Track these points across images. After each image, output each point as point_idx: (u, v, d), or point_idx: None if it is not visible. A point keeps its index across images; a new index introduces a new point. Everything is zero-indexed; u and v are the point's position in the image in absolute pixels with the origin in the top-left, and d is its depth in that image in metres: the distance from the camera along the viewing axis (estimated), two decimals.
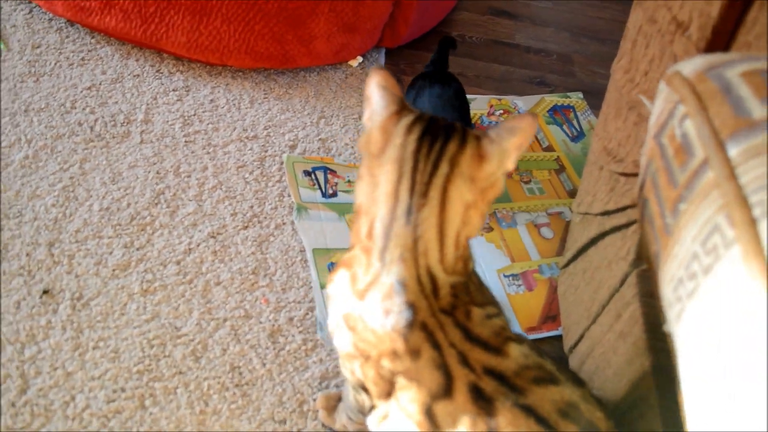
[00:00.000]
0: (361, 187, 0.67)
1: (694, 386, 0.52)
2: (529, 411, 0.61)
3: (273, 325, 1.02)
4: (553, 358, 0.71)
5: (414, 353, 0.63)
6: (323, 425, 0.92)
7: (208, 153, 1.24)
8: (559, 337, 1.10)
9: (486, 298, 0.71)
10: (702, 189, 0.55)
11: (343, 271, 0.69)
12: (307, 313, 1.05)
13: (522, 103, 1.47)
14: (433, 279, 0.65)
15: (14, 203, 1.10)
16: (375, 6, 1.31)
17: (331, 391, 0.97)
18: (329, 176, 1.23)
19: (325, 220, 1.16)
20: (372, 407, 0.72)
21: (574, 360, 1.04)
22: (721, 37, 0.77)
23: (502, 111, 1.44)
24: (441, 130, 0.65)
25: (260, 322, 1.03)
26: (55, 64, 1.33)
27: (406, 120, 0.64)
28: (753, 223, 0.48)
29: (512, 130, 0.66)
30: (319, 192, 1.20)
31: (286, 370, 0.98)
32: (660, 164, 0.64)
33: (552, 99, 1.50)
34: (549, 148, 1.39)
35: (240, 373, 0.96)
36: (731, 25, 0.75)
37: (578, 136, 1.43)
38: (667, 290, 0.58)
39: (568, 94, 1.52)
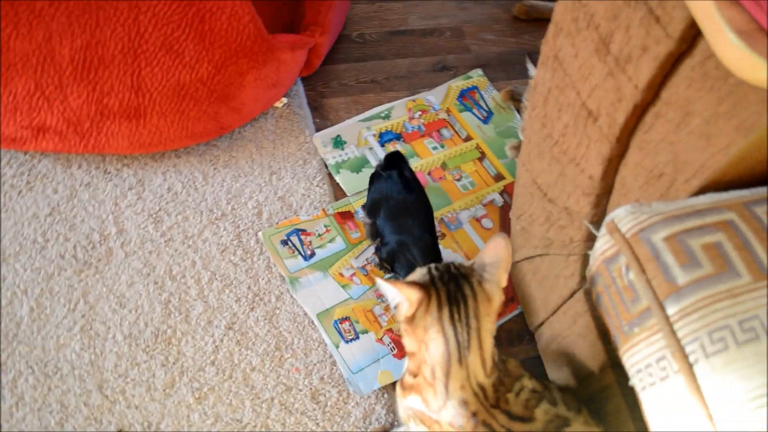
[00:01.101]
0: (410, 342, 0.90)
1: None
2: None
3: (311, 389, 1.26)
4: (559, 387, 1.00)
5: None
6: None
7: (190, 246, 1.37)
8: (520, 314, 1.41)
9: (510, 376, 0.97)
10: (650, 326, 0.82)
11: (415, 396, 0.93)
12: (332, 369, 1.29)
13: (434, 98, 1.64)
14: (482, 387, 0.91)
15: (47, 360, 1.22)
16: (294, 61, 1.40)
17: (376, 426, 1.26)
18: (302, 237, 1.40)
19: (315, 282, 1.36)
20: None
21: (541, 339, 1.35)
22: (625, 134, 0.98)
23: (420, 112, 1.61)
24: (457, 292, 0.87)
25: (300, 390, 1.26)
26: (5, 195, 1.35)
27: (434, 305, 0.86)
28: (690, 366, 0.77)
29: (497, 264, 0.89)
30: (300, 257, 1.38)
31: (335, 422, 1.24)
32: (611, 286, 0.89)
33: (457, 85, 1.67)
34: (468, 138, 1.60)
35: None
36: (633, 125, 0.96)
37: (488, 116, 1.64)
38: (628, 364, 0.86)
39: (469, 74, 1.69)
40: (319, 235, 1.40)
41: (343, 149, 1.52)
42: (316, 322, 1.31)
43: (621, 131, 0.94)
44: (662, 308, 0.77)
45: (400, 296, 0.87)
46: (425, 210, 1.33)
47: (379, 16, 1.75)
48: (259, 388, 1.25)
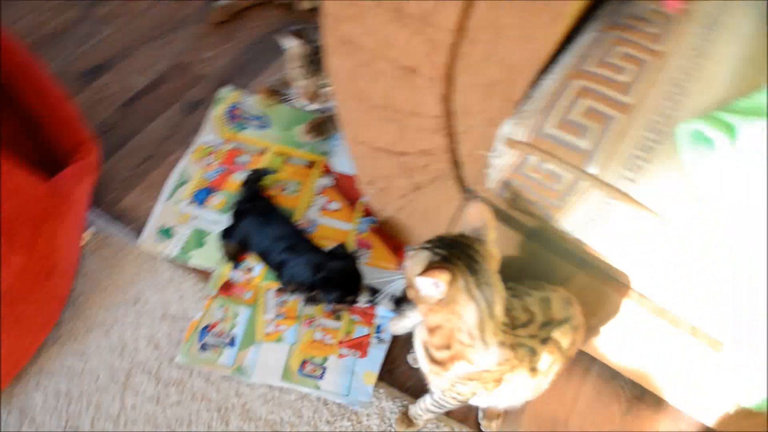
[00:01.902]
0: (436, 317, 0.98)
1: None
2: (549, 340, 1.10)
3: None
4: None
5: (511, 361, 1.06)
6: None
7: (127, 419, 1.26)
8: None
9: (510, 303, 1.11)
10: (583, 188, 1.01)
11: (459, 362, 1.03)
12: (326, 407, 1.33)
13: (210, 136, 1.63)
14: (504, 324, 1.03)
15: None
16: (84, 191, 1.29)
17: (396, 415, 1.35)
18: (212, 331, 1.37)
19: (256, 357, 1.36)
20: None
21: None
22: (450, 70, 1.12)
23: (208, 155, 1.59)
24: (472, 261, 0.97)
25: None
26: None
27: (461, 279, 0.95)
28: (626, 194, 0.98)
29: (485, 225, 1.00)
30: (226, 349, 1.36)
31: None
32: (528, 181, 1.06)
33: (218, 112, 1.67)
34: (264, 150, 1.63)
35: None
36: (453, 60, 1.10)
37: (264, 120, 1.68)
38: (570, 223, 1.05)
39: (219, 96, 1.70)
40: (223, 318, 1.37)
41: (173, 236, 1.46)
42: (285, 384, 1.32)
43: (446, 70, 1.08)
44: (586, 172, 0.96)
45: (440, 283, 0.94)
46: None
47: (102, 94, 1.63)
48: None
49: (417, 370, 1.39)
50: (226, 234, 1.45)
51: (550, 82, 1.01)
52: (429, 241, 1.00)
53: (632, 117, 0.97)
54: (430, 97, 1.13)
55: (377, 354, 1.40)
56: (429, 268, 0.93)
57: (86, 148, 1.30)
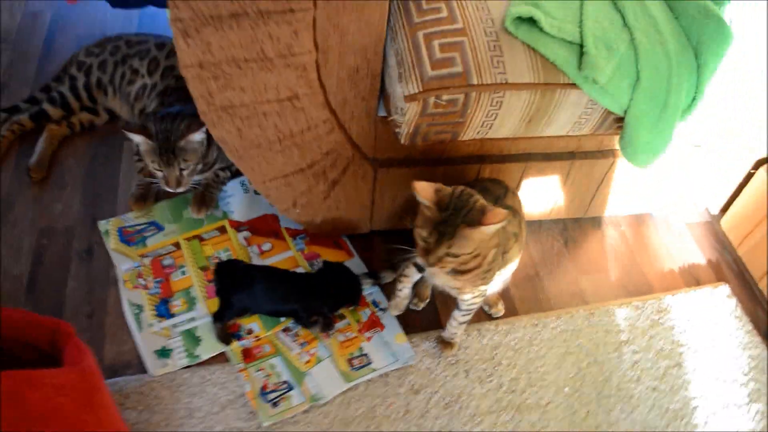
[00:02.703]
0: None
1: None
2: None
3: (413, 395, 1.52)
4: None
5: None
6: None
7: None
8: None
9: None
10: (472, 101, 1.36)
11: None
12: (391, 377, 1.54)
13: (128, 263, 1.67)
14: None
15: None
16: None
17: (436, 347, 1.61)
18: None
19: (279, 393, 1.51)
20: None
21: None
22: (317, 73, 1.38)
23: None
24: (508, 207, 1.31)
25: (424, 399, 1.51)
26: None
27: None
28: (504, 82, 1.37)
29: (440, 188, 1.28)
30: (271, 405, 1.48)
31: (447, 379, 1.56)
32: (432, 118, 1.35)
33: (114, 244, 1.71)
34: (177, 244, 1.73)
35: None
36: (318, 64, 1.37)
37: (158, 225, 1.76)
38: (472, 132, 1.42)
39: (103, 231, 1.73)
40: (267, 375, 1.49)
41: (172, 350, 1.53)
42: (351, 384, 1.51)
43: (318, 81, 1.33)
44: (471, 84, 1.29)
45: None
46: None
47: None
48: None
49: (423, 311, 1.66)
50: (219, 317, 1.54)
51: (402, 44, 1.29)
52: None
53: (471, 33, 1.27)
54: (315, 108, 1.38)
55: (390, 320, 1.62)
56: (499, 215, 1.19)
57: (62, 328, 1.30)
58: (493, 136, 1.41)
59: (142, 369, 1.48)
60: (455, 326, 1.53)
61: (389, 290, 1.68)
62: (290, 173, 1.51)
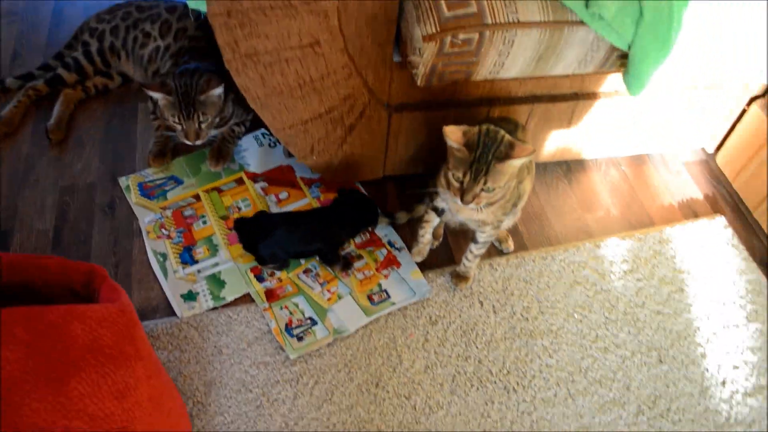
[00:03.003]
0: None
1: None
2: None
3: (432, 326, 1.60)
4: None
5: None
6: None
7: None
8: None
9: None
10: (486, 40, 1.42)
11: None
12: (409, 311, 1.62)
13: (150, 216, 1.73)
14: None
15: None
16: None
17: (451, 281, 1.68)
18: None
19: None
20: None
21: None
22: (339, 20, 1.44)
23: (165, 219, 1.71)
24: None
25: (439, 331, 1.59)
26: None
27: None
28: (516, 21, 1.43)
29: (468, 130, 1.35)
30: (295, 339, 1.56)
31: (463, 310, 1.64)
32: (448, 58, 1.41)
33: (136, 198, 1.77)
34: (197, 196, 1.79)
35: None
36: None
37: (176, 180, 1.82)
38: (485, 71, 1.49)
39: (124, 186, 1.79)
40: (291, 312, 1.56)
41: (197, 294, 1.60)
42: (372, 317, 1.58)
43: (339, 27, 1.38)
44: (486, 24, 1.35)
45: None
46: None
47: (26, 251, 1.62)
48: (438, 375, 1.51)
49: (436, 249, 1.73)
50: (261, 262, 1.62)
51: None
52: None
53: None
54: (334, 54, 1.43)
55: (406, 258, 1.70)
56: (528, 149, 1.27)
57: (96, 271, 1.37)
58: (504, 76, 1.48)
59: (170, 312, 1.56)
60: (471, 260, 1.60)
61: (403, 231, 1.76)
62: (309, 119, 1.56)
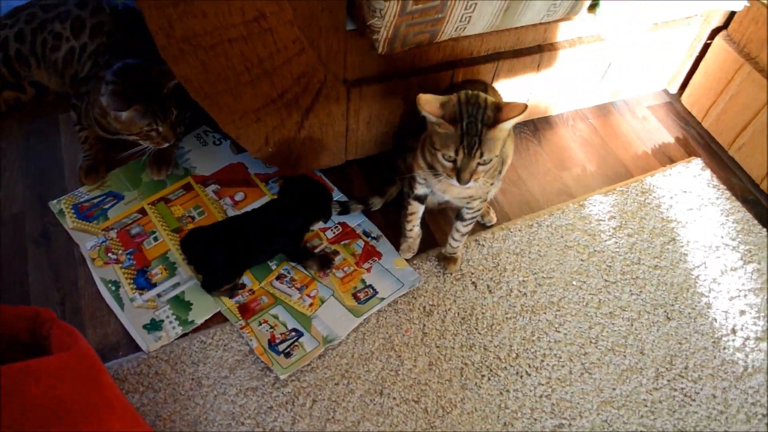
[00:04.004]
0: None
1: None
2: None
3: (427, 318, 1.46)
4: None
5: None
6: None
7: None
8: None
9: None
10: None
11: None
12: (400, 304, 1.48)
13: (92, 240, 1.51)
14: None
15: None
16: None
17: (439, 265, 1.55)
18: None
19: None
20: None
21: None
22: None
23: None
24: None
25: (437, 321, 1.45)
26: None
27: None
28: None
29: (445, 99, 1.19)
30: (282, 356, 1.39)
31: (451, 296, 1.50)
32: (411, 17, 1.26)
33: (73, 223, 1.55)
34: (143, 211, 1.59)
35: None
36: None
37: (115, 196, 1.61)
38: (451, 29, 1.33)
39: (57, 212, 1.56)
40: (272, 326, 1.40)
41: (161, 321, 1.41)
42: (362, 318, 1.44)
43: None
44: None
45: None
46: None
47: None
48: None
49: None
50: (209, 286, 1.42)
51: None
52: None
53: None
54: (283, 27, 1.27)
55: (386, 247, 1.55)
56: (517, 107, 1.13)
57: (41, 315, 1.16)
58: (470, 32, 1.34)
59: (134, 348, 1.36)
60: (458, 239, 1.47)
61: (376, 219, 1.61)
62: (261, 107, 1.39)
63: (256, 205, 1.60)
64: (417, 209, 1.44)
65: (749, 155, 1.81)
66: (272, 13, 1.21)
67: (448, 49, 1.51)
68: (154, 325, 1.38)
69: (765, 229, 1.72)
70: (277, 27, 1.23)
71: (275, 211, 1.48)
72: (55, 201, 1.58)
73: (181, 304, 1.42)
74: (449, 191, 1.30)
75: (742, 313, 1.54)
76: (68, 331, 1.15)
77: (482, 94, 1.17)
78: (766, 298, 1.57)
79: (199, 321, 1.40)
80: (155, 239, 1.52)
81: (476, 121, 1.14)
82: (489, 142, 1.14)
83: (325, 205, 1.50)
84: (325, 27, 1.33)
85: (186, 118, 1.71)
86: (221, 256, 1.41)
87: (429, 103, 1.17)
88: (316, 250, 1.53)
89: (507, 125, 1.15)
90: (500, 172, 1.40)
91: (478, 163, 1.16)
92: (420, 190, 1.39)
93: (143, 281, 1.45)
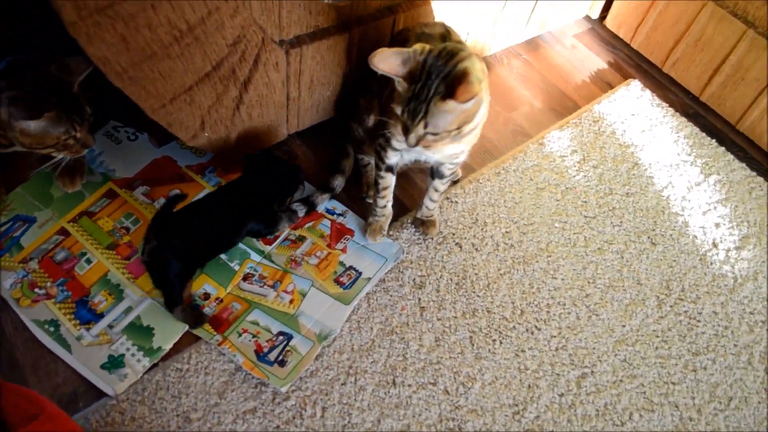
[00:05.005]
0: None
1: None
2: None
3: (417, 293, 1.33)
4: None
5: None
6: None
7: None
8: None
9: None
10: None
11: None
12: (387, 283, 1.34)
13: (11, 276, 1.25)
14: None
15: None
16: None
17: (418, 232, 1.42)
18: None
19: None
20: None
21: None
22: None
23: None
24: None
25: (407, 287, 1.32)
26: None
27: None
28: None
29: (400, 51, 1.03)
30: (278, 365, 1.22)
31: (437, 267, 1.38)
32: None
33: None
34: (63, 231, 1.33)
35: None
36: None
37: (25, 219, 1.34)
38: None
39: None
40: (255, 335, 1.22)
41: (122, 356, 1.18)
42: (353, 305, 1.29)
43: None
44: None
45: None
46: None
47: None
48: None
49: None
50: (171, 301, 1.21)
51: None
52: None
53: None
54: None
55: (356, 222, 1.40)
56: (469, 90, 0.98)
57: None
58: None
59: (97, 394, 1.13)
60: (435, 198, 1.35)
61: (338, 194, 1.45)
62: (194, 84, 1.17)
63: (199, 196, 1.39)
64: (390, 182, 1.29)
65: (685, 70, 1.80)
66: None
67: None
68: (114, 362, 1.15)
69: (714, 140, 1.72)
70: None
71: (244, 194, 1.28)
72: None
73: (139, 330, 1.19)
74: (432, 147, 1.15)
75: (717, 225, 1.53)
76: (23, 394, 0.92)
77: (462, 53, 1.03)
78: (733, 207, 1.57)
79: (167, 346, 1.19)
80: (88, 261, 1.28)
81: (431, 85, 1.00)
82: (438, 115, 1.01)
83: (296, 179, 1.32)
84: None
85: (89, 115, 1.44)
86: (184, 246, 1.22)
87: (385, 62, 1.02)
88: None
89: (461, 107, 1.00)
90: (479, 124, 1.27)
91: (426, 133, 1.02)
92: (392, 158, 1.24)
93: (86, 313, 1.21)
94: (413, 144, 1.06)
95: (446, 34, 1.24)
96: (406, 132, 1.06)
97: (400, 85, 1.03)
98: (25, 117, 1.13)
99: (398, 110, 1.05)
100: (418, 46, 1.04)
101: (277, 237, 1.36)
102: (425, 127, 1.03)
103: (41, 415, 0.87)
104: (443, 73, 1.00)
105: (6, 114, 1.13)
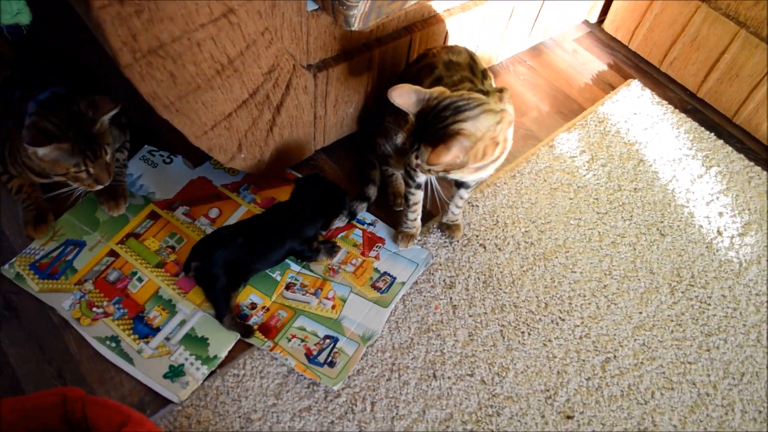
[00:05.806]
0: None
1: None
2: None
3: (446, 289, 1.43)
4: None
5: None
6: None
7: None
8: None
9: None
10: None
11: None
12: (417, 287, 1.44)
13: (69, 297, 1.33)
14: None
15: None
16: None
17: (443, 236, 1.52)
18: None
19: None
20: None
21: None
22: None
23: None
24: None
25: (441, 286, 1.42)
26: None
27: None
28: None
29: (421, 91, 1.15)
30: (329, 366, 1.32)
31: (462, 269, 1.48)
32: None
33: (37, 284, 1.35)
34: (113, 253, 1.42)
35: None
36: None
37: (76, 244, 1.43)
38: None
39: (12, 276, 1.36)
40: (303, 340, 1.31)
41: (182, 365, 1.27)
42: (390, 307, 1.38)
43: None
44: None
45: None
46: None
47: None
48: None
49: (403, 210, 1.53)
50: (220, 312, 1.31)
51: None
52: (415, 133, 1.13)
53: None
54: (252, 19, 1.17)
55: (386, 231, 1.50)
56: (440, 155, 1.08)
57: (69, 395, 1.01)
58: None
59: (162, 402, 1.22)
60: (460, 205, 1.44)
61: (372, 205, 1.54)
62: (233, 111, 1.27)
63: (235, 216, 1.49)
64: (419, 198, 1.39)
65: (682, 68, 1.90)
66: (240, 5, 1.09)
67: (403, 14, 1.45)
68: (175, 372, 1.24)
69: (712, 134, 1.82)
70: (246, 20, 1.13)
71: (289, 215, 1.37)
72: (6, 265, 1.36)
73: (195, 341, 1.29)
74: (466, 175, 1.26)
75: (721, 214, 1.63)
76: (105, 404, 1.01)
77: (462, 115, 1.10)
78: (734, 196, 1.67)
79: (223, 354, 1.28)
80: (139, 280, 1.37)
81: (426, 131, 1.13)
82: (425, 156, 1.12)
83: (341, 203, 1.42)
84: (287, 12, 1.23)
85: (127, 141, 1.54)
86: (230, 261, 1.32)
87: (403, 96, 1.13)
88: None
89: (436, 159, 1.10)
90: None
91: (417, 164, 1.16)
92: (421, 176, 1.33)
93: (143, 328, 1.30)
94: (414, 167, 1.19)
95: (472, 63, 1.34)
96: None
97: (411, 118, 1.14)
98: (29, 143, 1.22)
99: (403, 135, 1.16)
100: (436, 91, 1.14)
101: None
102: (417, 158, 1.14)
103: (129, 421, 0.96)
104: (441, 125, 1.10)
105: (23, 136, 1.23)
